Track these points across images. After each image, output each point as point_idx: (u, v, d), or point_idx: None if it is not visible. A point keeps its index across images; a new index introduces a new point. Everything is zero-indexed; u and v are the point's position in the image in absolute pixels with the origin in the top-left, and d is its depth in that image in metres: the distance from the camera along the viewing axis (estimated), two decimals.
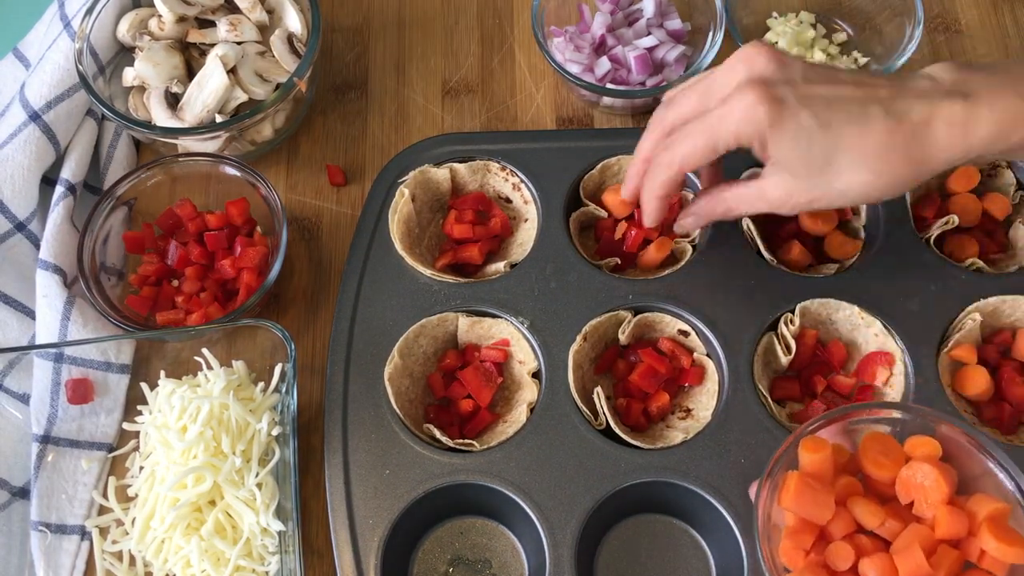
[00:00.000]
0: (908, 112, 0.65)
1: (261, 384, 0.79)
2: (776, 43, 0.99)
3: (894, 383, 0.79)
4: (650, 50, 0.95)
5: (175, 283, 0.87)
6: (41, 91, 0.90)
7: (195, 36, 0.93)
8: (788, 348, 0.80)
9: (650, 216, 0.76)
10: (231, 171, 0.88)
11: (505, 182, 0.90)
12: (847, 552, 0.63)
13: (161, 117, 0.90)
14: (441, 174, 0.89)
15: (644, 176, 0.75)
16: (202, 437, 0.75)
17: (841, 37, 1.01)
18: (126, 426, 0.82)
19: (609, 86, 0.94)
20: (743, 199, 0.72)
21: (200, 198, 0.90)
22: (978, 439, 0.66)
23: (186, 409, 0.76)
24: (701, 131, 0.68)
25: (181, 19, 0.93)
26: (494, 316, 0.83)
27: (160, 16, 0.93)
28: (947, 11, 1.03)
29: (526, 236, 0.87)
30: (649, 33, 0.97)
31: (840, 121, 0.65)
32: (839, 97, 0.66)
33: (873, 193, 0.67)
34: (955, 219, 0.84)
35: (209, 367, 0.80)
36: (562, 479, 0.75)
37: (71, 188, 0.90)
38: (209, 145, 0.90)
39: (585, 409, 0.78)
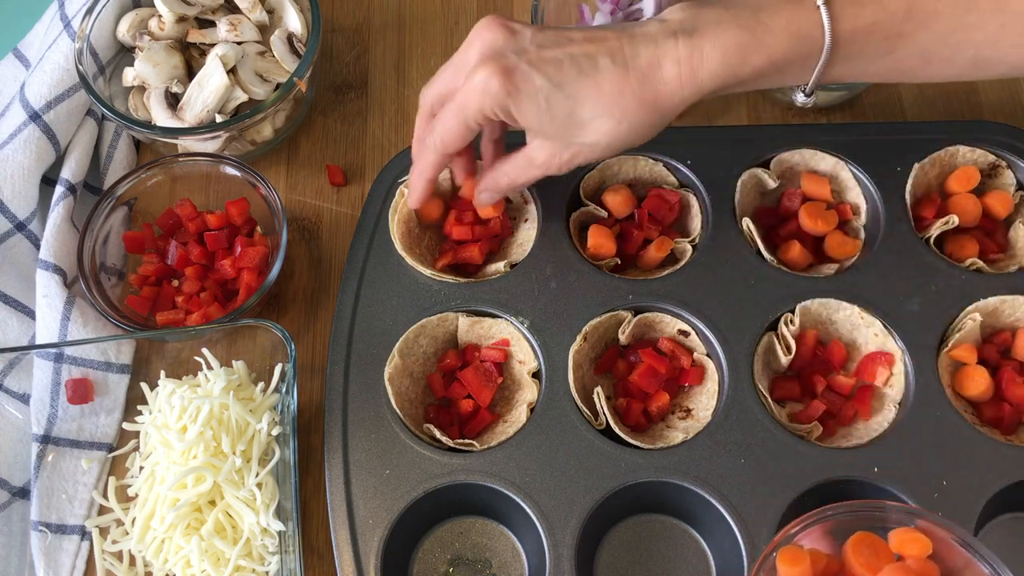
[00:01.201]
0: (636, 57, 0.68)
1: (261, 384, 0.79)
2: None
3: (894, 383, 0.79)
4: None
5: (175, 283, 0.87)
6: (41, 91, 0.90)
7: (195, 36, 0.93)
8: (788, 348, 0.80)
9: (415, 196, 0.80)
10: (231, 171, 0.88)
11: None
12: None
13: (161, 117, 0.90)
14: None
15: (415, 152, 0.79)
16: (202, 437, 0.75)
17: None
18: (126, 426, 0.82)
19: None
20: (518, 168, 0.75)
21: (200, 198, 0.90)
22: (959, 534, 0.64)
23: (186, 409, 0.76)
24: (452, 112, 0.71)
25: (181, 19, 0.93)
26: (494, 316, 0.83)
27: (160, 16, 0.93)
28: None
29: (526, 236, 0.87)
30: None
31: (572, 77, 0.67)
32: (570, 55, 0.68)
33: (621, 138, 0.70)
34: (955, 219, 0.84)
35: (209, 367, 0.80)
36: (562, 479, 0.75)
37: (71, 188, 0.90)
38: (209, 145, 0.91)
39: (585, 409, 0.78)
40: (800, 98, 0.74)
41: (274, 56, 0.92)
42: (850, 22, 0.67)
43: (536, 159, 0.73)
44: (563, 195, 0.87)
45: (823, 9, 0.67)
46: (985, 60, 0.70)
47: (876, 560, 0.64)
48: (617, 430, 0.77)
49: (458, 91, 0.71)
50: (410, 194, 0.80)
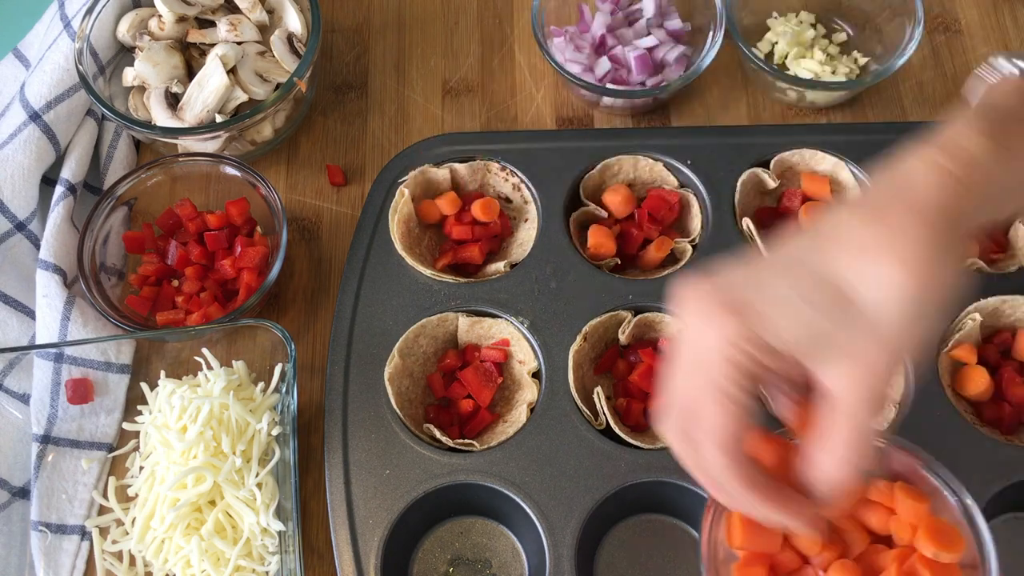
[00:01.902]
0: (870, 196, 0.55)
1: (261, 384, 0.79)
2: (776, 43, 0.99)
3: (894, 383, 0.79)
4: (650, 50, 0.95)
5: (175, 283, 0.87)
6: (41, 91, 0.90)
7: (195, 36, 0.93)
8: None
9: (809, 524, 0.55)
10: (231, 171, 0.88)
11: (505, 182, 0.90)
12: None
13: (161, 117, 0.90)
14: (441, 174, 0.89)
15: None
16: (202, 437, 0.75)
17: (841, 37, 1.01)
18: (126, 426, 0.82)
19: (609, 86, 0.94)
20: (845, 435, 0.52)
21: (200, 198, 0.90)
22: (926, 459, 0.63)
23: (186, 409, 0.76)
24: (700, 401, 0.53)
25: (181, 19, 0.93)
26: (494, 316, 0.83)
27: (160, 16, 0.93)
28: (947, 11, 1.03)
29: (526, 236, 0.87)
30: (649, 33, 0.97)
31: (805, 247, 0.53)
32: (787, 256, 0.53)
33: (919, 277, 0.50)
34: None
35: (209, 367, 0.80)
36: (562, 479, 0.75)
37: (71, 188, 0.90)
38: (209, 145, 0.91)
39: (585, 409, 0.78)
40: None
41: (274, 56, 0.92)
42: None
43: (846, 400, 0.51)
44: (563, 195, 0.87)
45: None
46: None
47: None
48: (617, 430, 0.77)
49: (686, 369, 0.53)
50: (763, 519, 0.55)
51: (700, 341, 0.52)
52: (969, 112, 0.55)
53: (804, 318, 0.50)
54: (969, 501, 0.62)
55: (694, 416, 0.53)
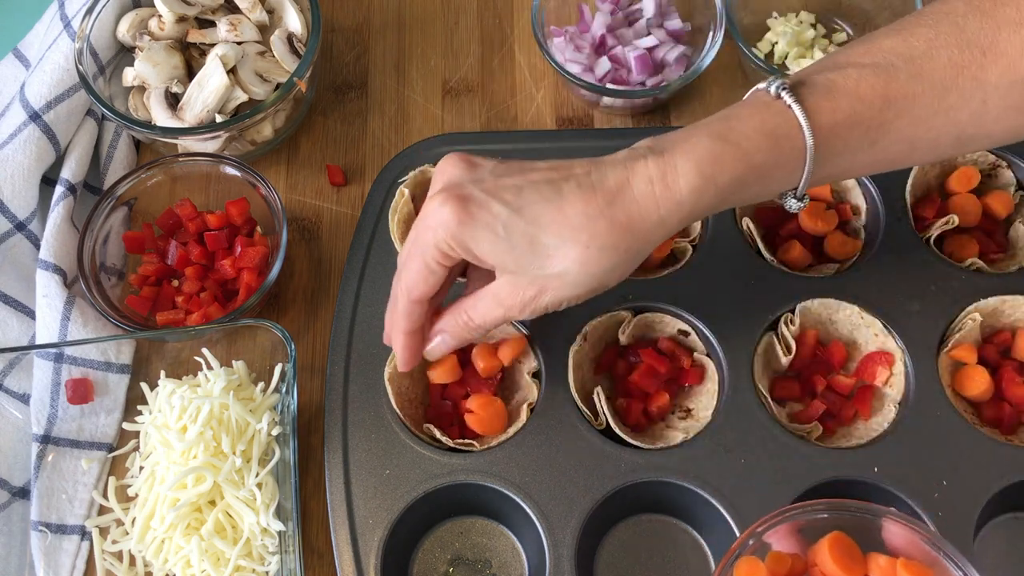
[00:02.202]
0: (603, 179, 0.63)
1: (261, 384, 0.79)
2: (776, 43, 0.99)
3: (894, 383, 0.79)
4: (650, 50, 0.95)
5: (175, 283, 0.87)
6: (41, 91, 0.90)
7: (195, 36, 0.93)
8: (788, 348, 0.80)
9: (402, 357, 0.73)
10: (231, 171, 0.88)
11: None
12: None
13: (161, 117, 0.90)
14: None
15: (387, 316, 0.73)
16: (202, 437, 0.75)
17: (841, 37, 1.01)
18: (126, 426, 0.82)
19: (609, 86, 0.94)
20: (480, 306, 0.68)
21: (200, 198, 0.90)
22: (927, 533, 0.64)
23: (186, 409, 0.76)
24: (411, 254, 0.67)
25: (181, 19, 0.93)
26: None
27: (160, 16, 0.93)
28: None
29: None
30: (649, 33, 0.97)
31: (532, 202, 0.63)
32: (530, 182, 0.64)
33: (592, 265, 0.63)
34: (955, 219, 0.84)
35: (209, 367, 0.80)
36: (562, 479, 0.75)
37: (71, 188, 0.90)
38: (209, 145, 0.91)
39: (585, 409, 0.78)
40: (793, 204, 0.68)
41: (274, 56, 0.92)
42: (827, 116, 0.63)
43: (501, 295, 0.66)
44: None
45: (796, 107, 0.63)
46: (969, 137, 0.66)
47: (851, 562, 0.63)
48: (617, 430, 0.77)
49: (415, 230, 0.66)
50: (397, 356, 0.73)
51: (428, 219, 0.65)
52: (707, 129, 0.65)
53: (504, 250, 0.63)
54: (974, 574, 0.62)
55: (403, 267, 0.69)
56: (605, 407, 0.77)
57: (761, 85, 0.67)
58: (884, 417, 0.78)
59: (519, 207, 0.63)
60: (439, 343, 0.73)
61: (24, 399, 0.83)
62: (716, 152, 0.63)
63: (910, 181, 0.86)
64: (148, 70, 0.91)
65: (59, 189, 0.90)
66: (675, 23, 0.97)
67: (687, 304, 0.82)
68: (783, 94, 0.64)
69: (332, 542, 0.74)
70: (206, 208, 0.90)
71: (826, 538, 0.64)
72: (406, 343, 0.72)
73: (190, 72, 0.93)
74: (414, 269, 0.67)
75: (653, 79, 0.95)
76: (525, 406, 0.78)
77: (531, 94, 0.99)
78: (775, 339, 0.81)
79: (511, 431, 0.78)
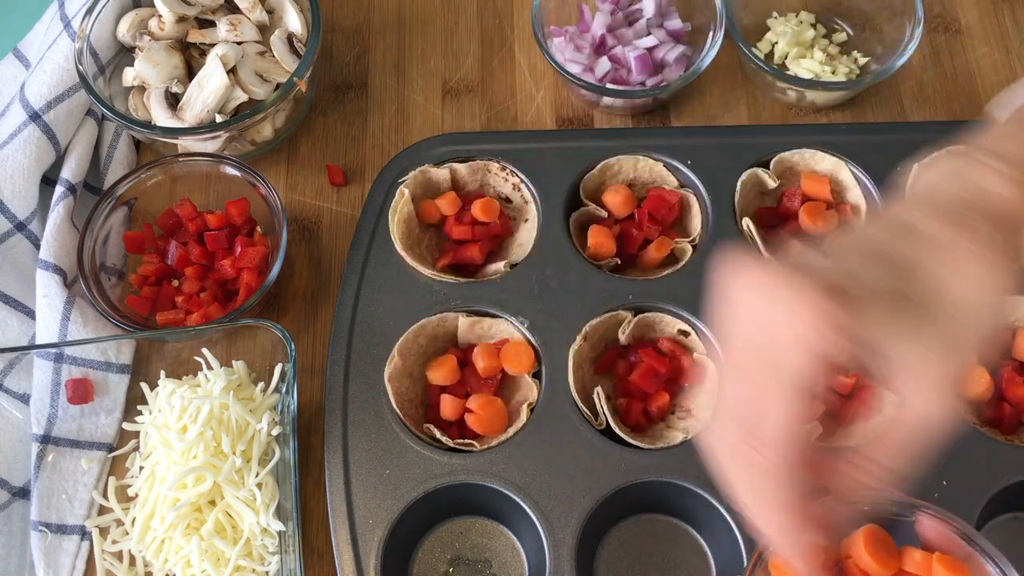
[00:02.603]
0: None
1: (261, 384, 0.79)
2: (776, 43, 0.99)
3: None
4: (650, 50, 0.95)
5: (175, 283, 0.87)
6: (41, 91, 0.90)
7: (195, 36, 0.93)
8: None
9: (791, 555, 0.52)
10: (231, 171, 0.88)
11: (505, 182, 0.90)
12: None
13: (161, 117, 0.90)
14: (441, 174, 0.89)
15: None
16: (202, 437, 0.75)
17: (841, 37, 1.01)
18: (126, 426, 0.82)
19: (609, 86, 0.94)
20: (903, 437, 0.51)
21: (200, 198, 0.90)
22: (962, 527, 0.63)
23: (186, 409, 0.76)
24: (773, 390, 0.49)
25: (181, 19, 0.93)
26: (494, 316, 0.83)
27: (160, 16, 0.93)
28: (947, 11, 1.03)
29: (526, 236, 0.87)
30: (649, 33, 0.97)
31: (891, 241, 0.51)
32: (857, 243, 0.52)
33: (990, 274, 0.50)
34: None
35: (209, 367, 0.80)
36: (562, 479, 0.75)
37: (71, 188, 0.90)
38: (209, 145, 0.91)
39: (585, 409, 0.78)
40: None
41: (274, 56, 0.92)
42: None
43: (919, 400, 0.49)
44: (563, 195, 0.87)
45: None
46: None
47: (886, 555, 0.62)
48: (617, 430, 0.77)
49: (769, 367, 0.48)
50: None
51: (783, 329, 0.47)
52: (1003, 125, 0.57)
53: (893, 312, 0.48)
54: (1011, 570, 0.61)
55: (756, 419, 0.48)
56: (605, 407, 0.77)
57: None
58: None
59: (880, 252, 0.51)
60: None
61: (24, 399, 0.83)
62: None
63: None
64: (148, 70, 0.91)
65: (59, 189, 0.90)
66: (675, 23, 0.97)
67: (687, 304, 0.82)
68: None
69: (332, 542, 0.74)
70: (206, 208, 0.90)
71: (861, 530, 0.63)
72: (788, 521, 0.50)
73: (190, 72, 0.93)
74: (782, 407, 0.48)
75: (653, 79, 0.95)
76: (525, 406, 0.79)
77: (531, 94, 0.99)
78: None
79: (511, 431, 0.78)
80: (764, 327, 0.49)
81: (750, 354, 0.50)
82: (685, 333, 0.82)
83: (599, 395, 0.78)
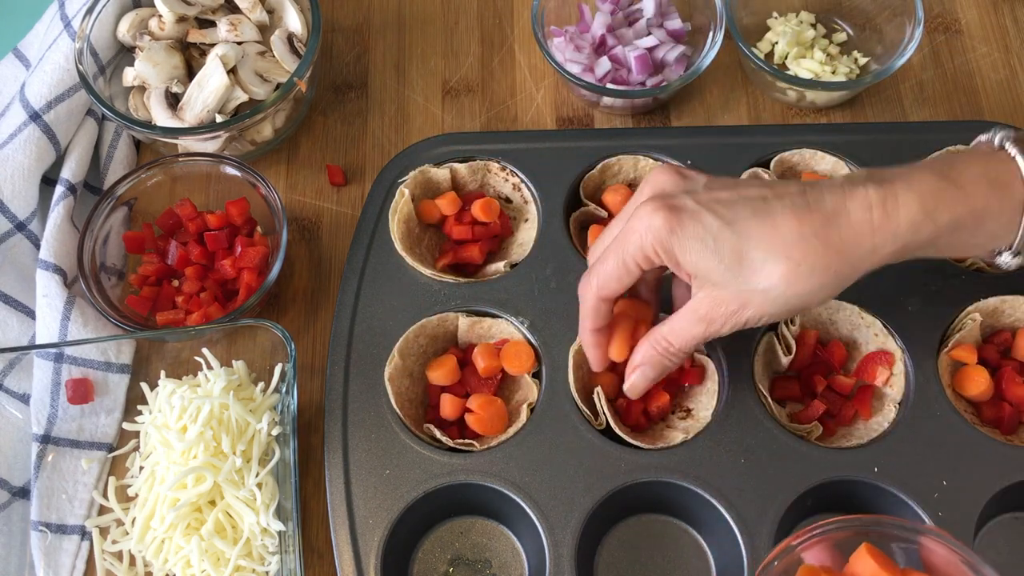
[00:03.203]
0: (819, 201, 0.63)
1: (261, 384, 0.79)
2: (776, 43, 0.99)
3: (894, 383, 0.79)
4: (650, 50, 0.95)
5: (175, 283, 0.87)
6: (41, 91, 0.90)
7: (195, 36, 0.93)
8: (788, 348, 0.80)
9: (593, 357, 0.74)
10: (231, 171, 0.88)
11: (505, 182, 0.90)
12: None
13: (161, 117, 0.90)
14: (441, 174, 0.89)
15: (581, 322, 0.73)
16: (202, 437, 0.75)
17: (841, 37, 1.01)
18: (126, 426, 0.82)
19: (609, 86, 0.94)
20: (678, 328, 0.68)
21: (200, 198, 0.90)
22: (968, 556, 0.62)
23: (186, 409, 0.76)
24: (611, 252, 0.67)
25: (181, 19, 0.93)
26: (494, 316, 0.83)
27: (160, 16, 0.93)
28: (947, 11, 1.03)
29: (526, 236, 0.87)
30: (649, 33, 0.97)
31: (744, 216, 0.63)
32: (743, 197, 0.65)
33: (800, 285, 0.63)
34: None
35: (209, 367, 0.80)
36: (562, 479, 0.75)
37: (71, 188, 0.90)
38: (209, 145, 0.91)
39: (585, 409, 0.78)
40: (1008, 260, 0.68)
41: (274, 56, 0.92)
42: None
43: (701, 310, 0.66)
44: (563, 195, 0.87)
45: (1019, 158, 0.64)
46: None
47: (893, 568, 0.61)
48: (617, 430, 0.77)
49: (617, 233, 0.67)
50: (588, 356, 0.75)
51: (637, 224, 0.65)
52: (926, 169, 0.65)
53: (711, 260, 0.64)
54: None
55: (595, 267, 0.69)
56: (605, 407, 0.77)
57: (984, 136, 0.68)
58: (884, 417, 0.78)
59: (730, 220, 0.63)
60: (638, 377, 0.73)
61: (24, 399, 0.83)
62: (939, 189, 0.63)
63: None
64: (148, 70, 0.91)
65: (59, 189, 0.90)
66: (675, 23, 0.97)
67: None
68: (1007, 145, 0.65)
69: (332, 542, 0.74)
70: (206, 208, 0.90)
71: (862, 547, 0.62)
72: (596, 341, 0.73)
73: (190, 72, 0.93)
74: (611, 267, 0.67)
75: (653, 79, 0.95)
76: (525, 406, 0.79)
77: (531, 94, 0.99)
78: (775, 339, 0.81)
79: (511, 431, 0.78)
80: (630, 213, 0.68)
81: (617, 221, 0.70)
82: None
83: (599, 395, 0.78)
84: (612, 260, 0.67)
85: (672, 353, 0.70)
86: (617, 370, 0.82)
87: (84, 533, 0.79)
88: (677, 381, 0.81)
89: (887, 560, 0.62)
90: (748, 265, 0.63)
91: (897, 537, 0.64)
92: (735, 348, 0.80)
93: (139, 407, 0.82)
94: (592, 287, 0.70)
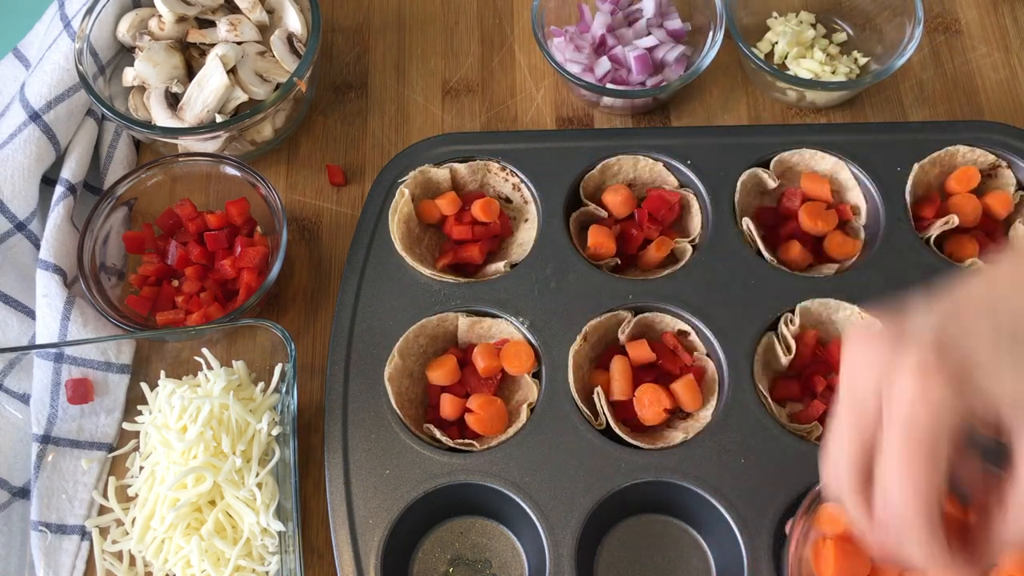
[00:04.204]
0: None
1: (261, 384, 0.79)
2: (776, 43, 0.99)
3: None
4: (650, 50, 0.95)
5: (175, 283, 0.87)
6: (41, 91, 0.90)
7: (195, 36, 0.93)
8: (788, 348, 0.80)
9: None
10: (231, 171, 0.88)
11: (505, 182, 0.90)
12: None
13: (161, 117, 0.90)
14: (441, 174, 0.89)
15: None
16: (202, 437, 0.75)
17: (841, 37, 1.01)
18: (126, 426, 0.82)
19: (609, 86, 0.94)
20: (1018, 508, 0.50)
21: (200, 198, 0.90)
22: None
23: (186, 409, 0.76)
24: (898, 447, 0.49)
25: (181, 19, 0.93)
26: (494, 316, 0.83)
27: (160, 16, 0.93)
28: (947, 11, 1.03)
29: (526, 236, 0.87)
30: (649, 33, 0.97)
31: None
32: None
33: None
34: (955, 219, 0.84)
35: (209, 367, 0.80)
36: (562, 479, 0.75)
37: (71, 188, 0.90)
38: (209, 145, 0.91)
39: (585, 409, 0.78)
40: None
41: (274, 56, 0.92)
42: None
43: None
44: (563, 195, 0.87)
45: None
46: None
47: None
48: (617, 430, 0.77)
49: (888, 420, 0.50)
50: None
51: (916, 411, 0.48)
52: None
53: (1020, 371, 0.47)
54: None
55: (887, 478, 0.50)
56: (605, 407, 0.77)
57: None
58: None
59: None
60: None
61: (24, 399, 0.83)
62: None
63: (910, 181, 0.86)
64: (148, 70, 0.91)
65: (59, 189, 0.90)
66: (675, 23, 0.97)
67: (687, 304, 0.82)
68: None
69: (332, 542, 0.74)
70: (206, 208, 0.90)
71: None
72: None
73: (190, 72, 0.93)
74: (916, 469, 0.49)
75: (653, 79, 0.95)
76: (525, 406, 0.79)
77: (531, 94, 0.99)
78: (775, 339, 0.81)
79: (511, 431, 0.78)
80: (872, 389, 0.50)
81: (858, 409, 0.51)
82: (685, 333, 0.82)
83: (599, 395, 0.78)
84: (909, 457, 0.49)
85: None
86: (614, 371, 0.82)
87: (84, 533, 0.79)
88: (677, 380, 0.81)
89: None
90: None
91: None
92: (735, 348, 0.80)
93: (139, 407, 0.82)
94: (910, 504, 0.49)
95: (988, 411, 0.48)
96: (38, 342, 0.85)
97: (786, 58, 0.99)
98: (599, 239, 0.84)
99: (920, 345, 0.49)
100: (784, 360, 0.80)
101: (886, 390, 0.49)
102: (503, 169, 0.89)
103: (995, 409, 0.48)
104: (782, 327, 0.81)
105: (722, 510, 0.74)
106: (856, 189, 0.87)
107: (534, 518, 0.74)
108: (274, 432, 0.77)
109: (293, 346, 0.78)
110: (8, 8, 1.13)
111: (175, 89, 0.91)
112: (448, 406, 0.79)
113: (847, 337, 0.53)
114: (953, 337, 0.49)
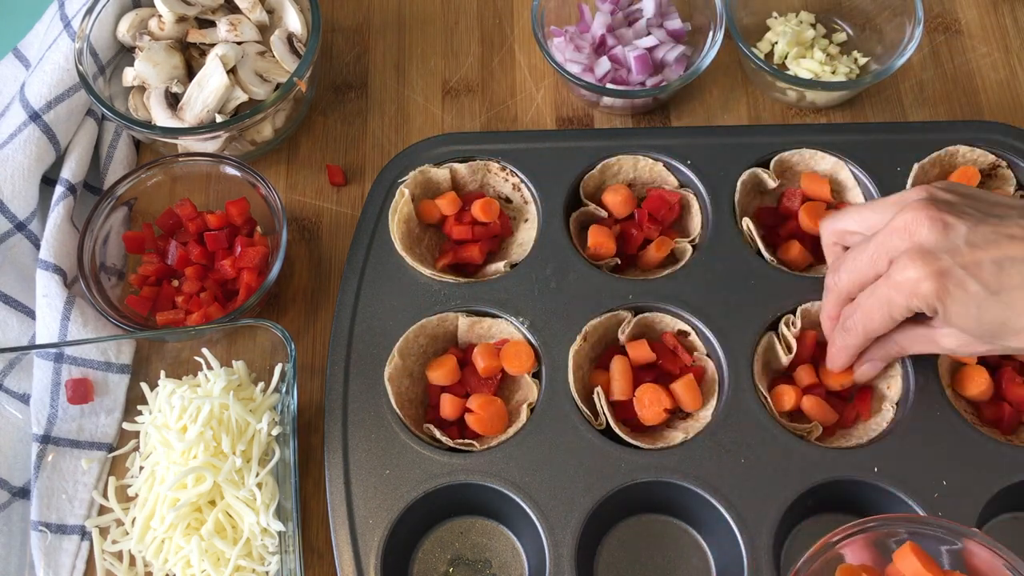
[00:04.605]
0: None
1: (261, 384, 0.79)
2: (776, 43, 0.99)
3: (893, 383, 0.79)
4: (650, 50, 0.95)
5: (175, 283, 0.87)
6: (41, 91, 0.90)
7: (195, 36, 0.93)
8: (789, 348, 0.80)
9: (839, 362, 0.77)
10: (231, 171, 0.88)
11: (505, 182, 0.90)
12: None
13: (161, 117, 0.90)
14: (441, 174, 0.89)
15: (834, 332, 0.76)
16: (202, 437, 0.75)
17: (841, 37, 1.01)
18: (126, 426, 0.82)
19: (609, 86, 0.94)
20: (915, 341, 0.72)
21: (200, 198, 0.90)
22: (1006, 556, 0.62)
23: (186, 409, 0.76)
24: (877, 304, 0.69)
25: (181, 19, 0.93)
26: (494, 316, 0.83)
27: (160, 16, 0.93)
28: (947, 11, 1.03)
29: (526, 236, 0.87)
30: (649, 33, 0.97)
31: (1012, 287, 0.64)
32: (1010, 259, 0.64)
33: None
34: None
35: (209, 367, 0.80)
36: (562, 479, 0.75)
37: (71, 188, 0.90)
38: (209, 145, 0.91)
39: (585, 409, 0.78)
40: None
41: (274, 56, 0.92)
42: None
43: (943, 343, 0.70)
44: (563, 195, 0.87)
45: None
46: None
47: (936, 569, 0.61)
48: (617, 430, 0.77)
49: (881, 282, 0.68)
50: (836, 360, 0.77)
51: (902, 286, 0.66)
52: None
53: (971, 324, 0.66)
54: None
55: (864, 312, 0.71)
56: (605, 407, 0.77)
57: None
58: (883, 417, 0.78)
59: (996, 289, 0.64)
60: (869, 368, 0.78)
61: (24, 399, 0.83)
62: None
63: (910, 181, 0.86)
64: (148, 70, 0.91)
65: (59, 189, 0.90)
66: (675, 23, 0.97)
67: (687, 304, 0.82)
68: None
69: (332, 542, 0.74)
70: (206, 208, 0.90)
71: (905, 546, 0.62)
72: (852, 355, 0.76)
73: (190, 72, 0.93)
74: (878, 318, 0.70)
75: (653, 79, 0.95)
76: (525, 406, 0.79)
77: (531, 94, 0.99)
78: (775, 339, 0.81)
79: (511, 431, 0.78)
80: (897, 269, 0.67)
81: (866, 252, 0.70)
82: (685, 333, 0.82)
83: (599, 395, 0.78)
84: (879, 312, 0.69)
85: (901, 353, 0.75)
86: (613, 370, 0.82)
87: (84, 533, 0.79)
88: (677, 380, 0.81)
89: (931, 561, 0.61)
90: (1009, 331, 0.66)
91: (940, 538, 0.63)
92: (735, 348, 0.80)
93: (139, 407, 0.82)
94: (860, 331, 0.72)
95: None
96: (38, 342, 0.85)
97: (786, 58, 0.99)
98: (599, 239, 0.84)
99: (945, 256, 0.65)
100: (785, 360, 0.80)
101: (898, 258, 0.66)
102: (503, 169, 0.89)
103: (940, 320, 0.68)
104: (782, 327, 0.81)
105: (722, 510, 0.74)
106: (856, 189, 0.87)
107: (534, 518, 0.74)
108: (274, 432, 0.77)
109: (293, 346, 0.78)
110: (8, 8, 1.13)
111: (175, 89, 0.91)
112: (448, 406, 0.79)
113: (914, 208, 0.67)
114: (970, 265, 0.64)
